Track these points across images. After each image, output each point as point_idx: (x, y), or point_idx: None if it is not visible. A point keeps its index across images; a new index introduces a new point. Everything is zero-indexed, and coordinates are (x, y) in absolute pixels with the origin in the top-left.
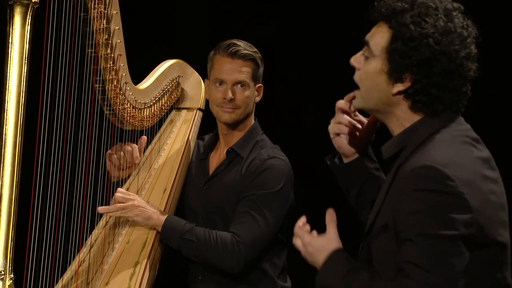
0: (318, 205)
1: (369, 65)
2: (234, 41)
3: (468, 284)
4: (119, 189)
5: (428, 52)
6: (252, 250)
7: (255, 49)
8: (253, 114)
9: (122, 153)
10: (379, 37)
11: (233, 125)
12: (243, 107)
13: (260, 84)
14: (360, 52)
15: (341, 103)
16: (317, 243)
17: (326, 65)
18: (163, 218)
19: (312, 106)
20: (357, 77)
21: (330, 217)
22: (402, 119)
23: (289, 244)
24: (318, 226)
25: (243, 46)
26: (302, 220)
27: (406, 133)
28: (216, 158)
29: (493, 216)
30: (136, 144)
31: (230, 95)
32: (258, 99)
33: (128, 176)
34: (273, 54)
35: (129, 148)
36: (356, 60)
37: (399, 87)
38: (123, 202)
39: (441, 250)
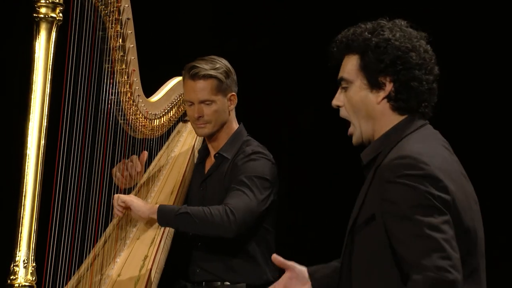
0: (312, 204)
1: (350, 92)
2: (196, 62)
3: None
4: (115, 195)
5: (396, 50)
6: (244, 216)
7: (218, 65)
8: (232, 120)
9: (125, 171)
10: (349, 65)
11: (212, 136)
12: (213, 120)
13: (232, 93)
14: (338, 92)
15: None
16: None
17: (319, 73)
18: (157, 205)
19: (307, 110)
20: (344, 112)
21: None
22: (384, 126)
23: (276, 234)
24: (312, 226)
25: (203, 66)
26: None
27: (381, 139)
28: (209, 162)
29: (467, 204)
30: (142, 152)
31: (196, 114)
32: (232, 107)
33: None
34: (270, 63)
35: (130, 163)
36: (337, 99)
37: (382, 93)
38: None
39: (429, 217)
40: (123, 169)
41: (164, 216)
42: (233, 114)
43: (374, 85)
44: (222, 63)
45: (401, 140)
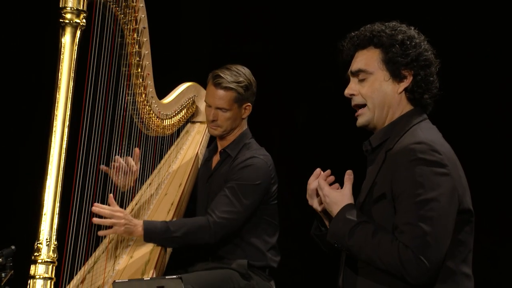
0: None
1: (369, 83)
2: (222, 71)
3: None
4: (109, 204)
5: (419, 47)
6: (224, 227)
7: (241, 78)
8: (243, 125)
9: (121, 171)
10: (368, 57)
11: (222, 136)
12: (225, 126)
13: (248, 104)
14: (351, 83)
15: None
16: (333, 196)
17: (314, 74)
18: (141, 230)
19: (301, 108)
20: (359, 99)
21: (348, 176)
22: (396, 113)
23: (281, 228)
24: (308, 221)
25: (226, 78)
26: (327, 173)
27: (390, 125)
28: (216, 159)
29: (466, 189)
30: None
31: (211, 117)
32: (245, 115)
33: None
34: (267, 65)
35: (123, 162)
36: (350, 89)
37: (403, 84)
38: (111, 216)
39: (429, 209)
40: (115, 167)
41: (150, 239)
42: (245, 120)
43: (397, 76)
44: (246, 76)
45: (411, 128)
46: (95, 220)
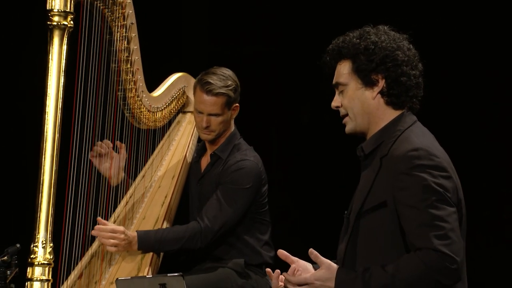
0: (308, 197)
1: (347, 94)
2: (209, 77)
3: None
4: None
5: (384, 50)
6: (215, 232)
7: (229, 82)
8: (231, 125)
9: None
10: (342, 70)
11: (213, 140)
12: (218, 130)
13: (236, 104)
14: (335, 96)
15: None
16: (320, 276)
17: (315, 73)
18: (136, 245)
19: (300, 108)
20: (342, 110)
21: (314, 255)
22: (379, 119)
23: (273, 224)
24: (308, 219)
25: (216, 83)
26: (291, 266)
27: (381, 131)
28: (205, 161)
29: (460, 190)
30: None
31: (205, 124)
32: (234, 115)
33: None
34: (266, 65)
35: (99, 147)
36: (335, 101)
37: (376, 89)
38: (113, 237)
39: (442, 208)
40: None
41: (145, 250)
42: (232, 120)
43: (368, 83)
44: (232, 78)
45: (403, 133)
46: (101, 240)
